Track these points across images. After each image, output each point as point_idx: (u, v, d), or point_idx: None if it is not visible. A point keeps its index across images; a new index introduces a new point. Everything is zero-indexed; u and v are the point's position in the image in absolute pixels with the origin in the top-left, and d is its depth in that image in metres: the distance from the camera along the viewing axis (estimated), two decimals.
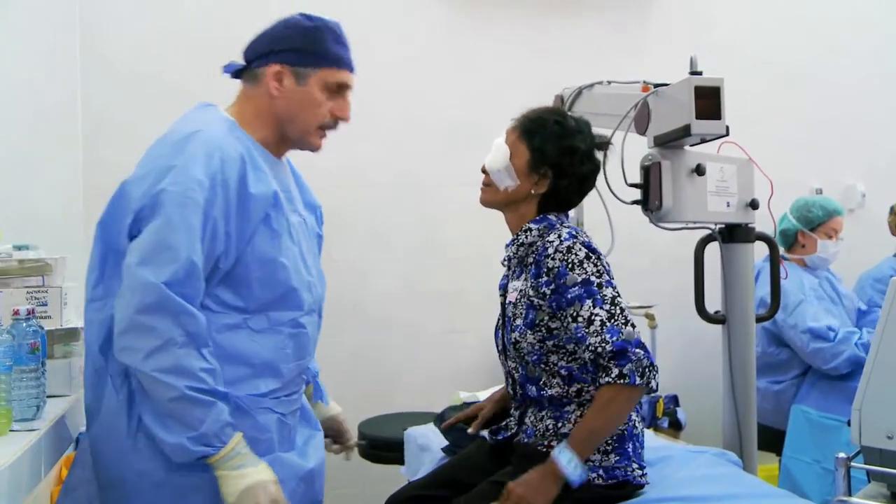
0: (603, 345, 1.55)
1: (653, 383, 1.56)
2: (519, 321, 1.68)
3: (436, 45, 3.48)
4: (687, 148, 2.09)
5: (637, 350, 1.55)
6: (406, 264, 3.33)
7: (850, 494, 1.44)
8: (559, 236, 1.66)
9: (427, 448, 2.19)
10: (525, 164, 1.71)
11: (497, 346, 1.84)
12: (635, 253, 3.08)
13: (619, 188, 2.09)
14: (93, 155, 3.05)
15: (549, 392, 1.67)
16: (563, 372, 1.66)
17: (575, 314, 1.59)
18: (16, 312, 1.70)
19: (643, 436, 1.73)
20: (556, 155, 1.70)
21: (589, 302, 1.58)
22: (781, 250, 3.05)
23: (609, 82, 2.36)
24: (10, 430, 1.57)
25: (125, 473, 1.50)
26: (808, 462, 2.80)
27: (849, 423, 1.50)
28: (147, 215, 1.44)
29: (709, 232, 2.16)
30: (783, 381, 2.98)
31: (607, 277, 1.62)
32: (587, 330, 1.57)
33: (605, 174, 2.09)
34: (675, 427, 2.79)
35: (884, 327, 1.47)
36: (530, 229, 1.73)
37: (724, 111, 1.93)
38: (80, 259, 2.90)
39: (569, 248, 1.62)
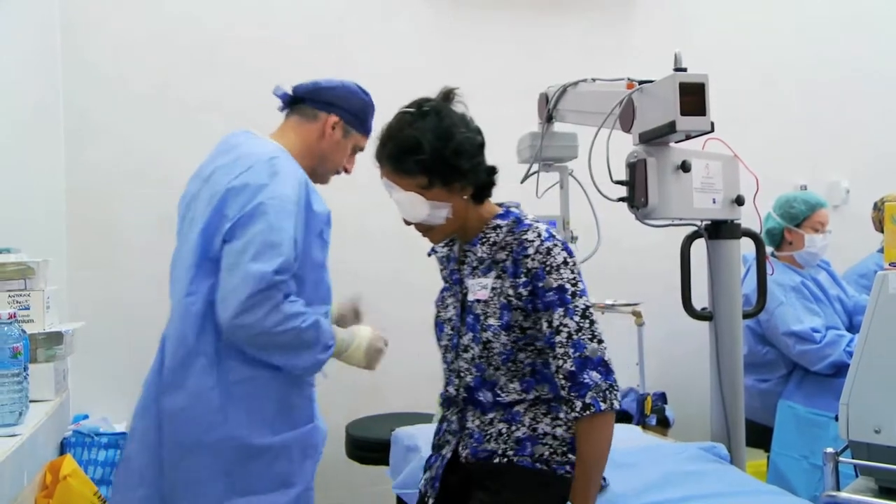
0: (564, 358, 1.53)
1: (616, 404, 1.53)
2: (492, 321, 1.60)
3: (423, 46, 3.47)
4: (672, 145, 2.07)
5: (592, 373, 1.52)
6: (394, 264, 3.32)
7: (838, 489, 1.44)
8: (538, 235, 1.60)
9: (415, 449, 2.18)
10: (440, 190, 1.59)
11: (441, 342, 1.75)
12: (622, 250, 3.08)
13: (605, 185, 2.09)
14: (75, 157, 3.03)
15: (506, 398, 1.62)
16: (527, 369, 1.62)
17: (549, 320, 1.56)
18: None
19: None
20: (451, 163, 1.58)
21: (560, 310, 1.55)
22: (770, 250, 3.05)
23: (593, 80, 2.35)
24: None
25: (210, 439, 1.76)
26: (795, 458, 2.80)
27: (836, 419, 1.50)
28: (245, 223, 1.74)
29: (695, 229, 2.15)
30: (770, 379, 2.97)
31: (582, 286, 1.59)
32: (555, 339, 1.55)
33: (591, 173, 2.10)
34: (664, 424, 2.77)
35: (870, 322, 1.47)
36: (499, 226, 1.65)
37: (710, 107, 1.92)
38: (63, 262, 2.90)
39: (549, 250, 1.58)
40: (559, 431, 1.62)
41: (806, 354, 2.81)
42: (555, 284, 1.56)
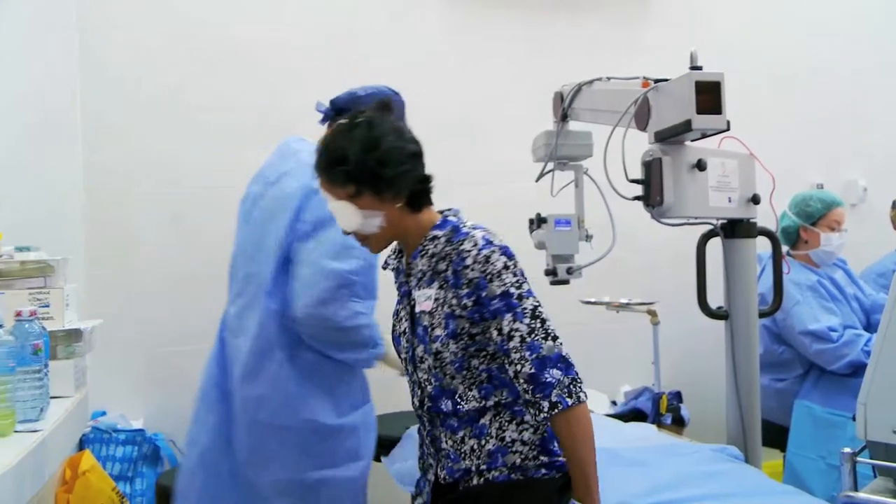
0: (522, 363, 1.52)
1: (582, 396, 1.52)
2: (439, 331, 1.59)
3: (437, 44, 3.48)
4: (688, 143, 2.07)
5: (553, 371, 1.50)
6: None
7: (856, 490, 1.44)
8: (475, 244, 1.57)
9: None
10: (371, 199, 1.58)
11: (401, 355, 1.74)
12: (637, 249, 3.08)
13: (621, 184, 2.08)
14: (92, 157, 3.06)
15: (466, 406, 1.61)
16: (483, 375, 1.60)
17: (499, 328, 1.55)
18: (18, 314, 1.70)
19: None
20: (375, 172, 1.56)
21: (509, 316, 1.54)
22: (786, 249, 3.04)
23: (608, 78, 2.34)
24: (14, 432, 1.57)
25: (288, 423, 1.98)
26: (812, 458, 2.79)
27: (854, 418, 1.50)
28: (324, 225, 1.95)
29: (710, 227, 2.15)
30: (786, 378, 2.96)
31: (527, 287, 1.57)
32: (508, 345, 1.54)
33: (606, 172, 2.10)
34: (679, 423, 2.77)
35: (888, 321, 1.47)
36: (437, 237, 1.63)
37: (725, 106, 1.92)
38: (81, 261, 2.92)
39: (487, 258, 1.56)
40: (527, 436, 1.61)
41: (823, 353, 2.80)
42: (498, 291, 1.55)
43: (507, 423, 1.61)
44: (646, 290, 3.15)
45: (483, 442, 1.60)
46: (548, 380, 1.50)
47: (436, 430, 1.67)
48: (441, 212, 1.69)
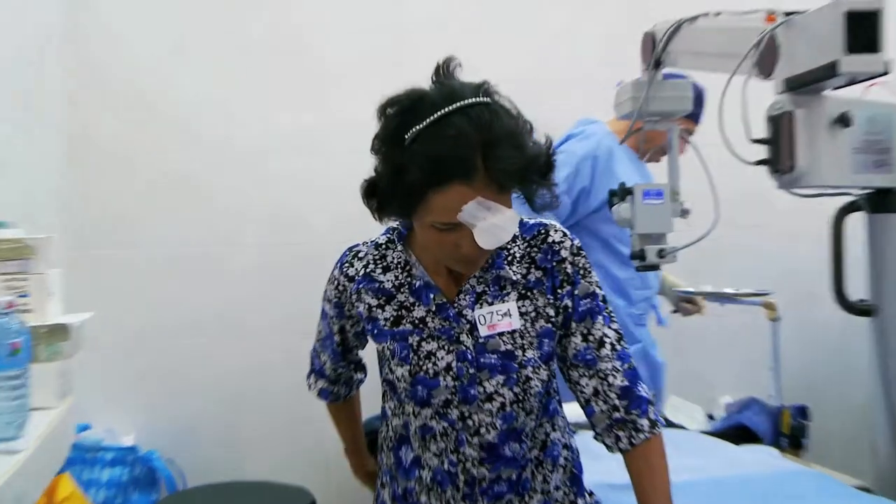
0: (614, 374, 1.52)
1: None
2: (531, 353, 1.50)
3: None
4: (826, 93, 1.97)
5: (642, 385, 1.54)
6: None
7: None
8: (565, 234, 1.56)
9: None
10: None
11: (434, 399, 1.51)
12: (746, 227, 3.04)
13: (740, 145, 1.98)
14: (78, 120, 3.11)
15: (530, 449, 1.55)
16: (543, 402, 1.57)
17: (586, 332, 1.54)
18: None
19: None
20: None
21: (600, 319, 1.54)
22: None
23: (717, 13, 2.23)
24: None
25: None
26: None
27: None
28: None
29: (851, 199, 2.06)
30: None
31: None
32: (598, 353, 1.53)
33: (721, 129, 1.99)
34: (796, 445, 2.64)
35: None
36: (517, 235, 1.56)
37: (883, 42, 1.80)
38: (60, 242, 2.87)
39: (579, 250, 1.56)
40: (559, 477, 1.59)
41: None
42: (590, 290, 1.55)
43: (549, 473, 1.59)
44: (756, 277, 3.11)
45: (527, 499, 1.56)
46: (641, 394, 1.52)
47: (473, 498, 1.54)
48: None
